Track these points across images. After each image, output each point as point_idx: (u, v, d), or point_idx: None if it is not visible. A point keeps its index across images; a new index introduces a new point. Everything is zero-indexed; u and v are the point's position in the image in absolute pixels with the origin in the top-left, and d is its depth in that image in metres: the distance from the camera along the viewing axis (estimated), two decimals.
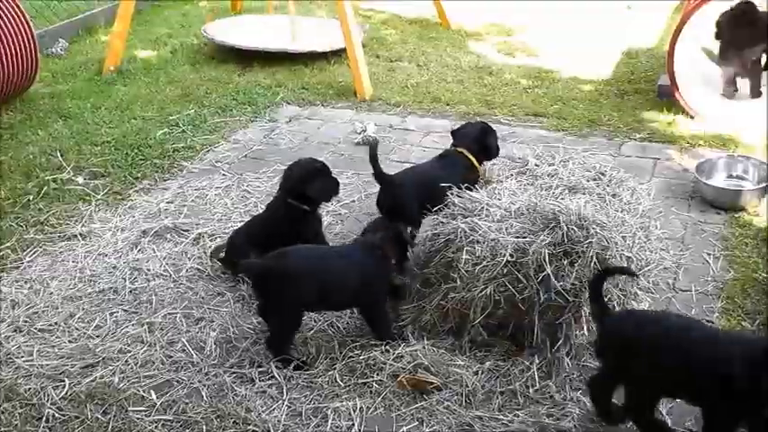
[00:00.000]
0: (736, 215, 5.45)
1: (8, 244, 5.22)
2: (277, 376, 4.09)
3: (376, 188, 5.10)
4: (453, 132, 5.39)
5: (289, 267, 4.13)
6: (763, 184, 5.58)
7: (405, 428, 3.82)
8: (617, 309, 4.15)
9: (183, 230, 5.37)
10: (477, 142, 5.22)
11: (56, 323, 4.54)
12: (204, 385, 4.08)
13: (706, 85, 7.10)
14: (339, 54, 8.16)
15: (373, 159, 4.81)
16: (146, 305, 4.70)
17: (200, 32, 8.85)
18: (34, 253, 5.16)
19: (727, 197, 5.57)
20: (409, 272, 4.56)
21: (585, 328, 4.09)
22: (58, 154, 6.34)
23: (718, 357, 3.40)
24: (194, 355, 4.28)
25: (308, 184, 4.69)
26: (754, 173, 5.79)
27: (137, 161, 6.30)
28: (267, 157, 6.40)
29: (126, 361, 4.24)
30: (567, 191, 4.53)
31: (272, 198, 5.03)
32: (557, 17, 9.47)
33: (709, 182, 5.71)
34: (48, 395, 4.01)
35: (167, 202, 5.72)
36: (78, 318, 4.59)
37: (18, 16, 7.00)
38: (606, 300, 4.03)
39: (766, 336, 4.26)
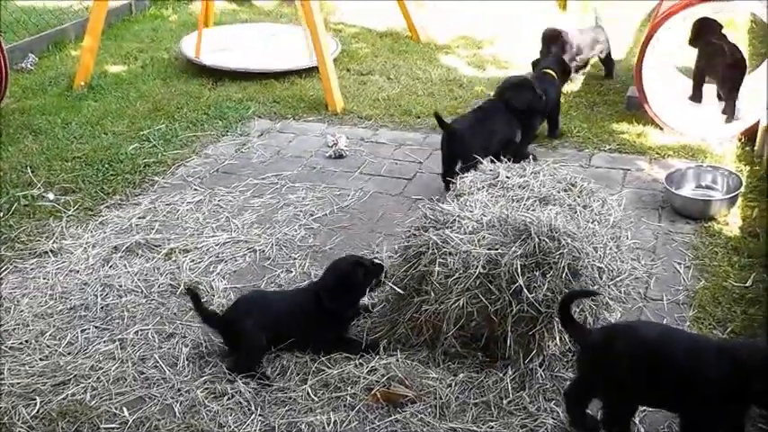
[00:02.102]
0: (706, 224, 5.49)
1: None
2: (250, 391, 4.07)
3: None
4: (534, 63, 7.32)
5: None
6: (732, 194, 5.64)
7: None
8: (589, 319, 4.18)
9: (155, 246, 5.35)
10: (559, 65, 6.93)
11: (26, 341, 4.50)
12: (177, 401, 4.05)
13: (674, 96, 7.18)
14: (310, 68, 8.16)
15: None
16: (117, 321, 4.67)
17: (170, 47, 8.83)
18: (5, 270, 5.12)
19: (696, 207, 5.62)
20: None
21: (558, 338, 4.10)
22: (29, 170, 6.29)
23: (701, 362, 3.43)
24: (166, 372, 4.25)
25: (514, 96, 6.11)
26: (723, 182, 5.85)
27: (108, 176, 6.26)
28: (239, 171, 6.39)
29: (98, 378, 4.21)
30: (538, 202, 4.54)
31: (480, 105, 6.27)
32: (526, 30, 9.51)
33: (679, 192, 5.76)
34: (19, 414, 3.97)
35: (139, 218, 5.69)
36: (49, 335, 4.55)
37: None
38: (579, 310, 4.07)
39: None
